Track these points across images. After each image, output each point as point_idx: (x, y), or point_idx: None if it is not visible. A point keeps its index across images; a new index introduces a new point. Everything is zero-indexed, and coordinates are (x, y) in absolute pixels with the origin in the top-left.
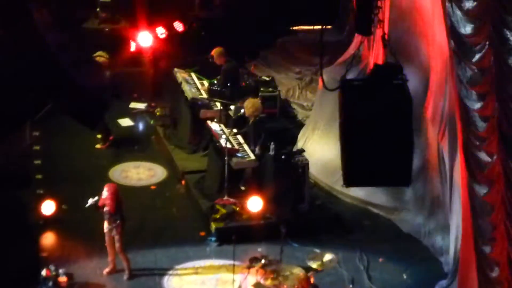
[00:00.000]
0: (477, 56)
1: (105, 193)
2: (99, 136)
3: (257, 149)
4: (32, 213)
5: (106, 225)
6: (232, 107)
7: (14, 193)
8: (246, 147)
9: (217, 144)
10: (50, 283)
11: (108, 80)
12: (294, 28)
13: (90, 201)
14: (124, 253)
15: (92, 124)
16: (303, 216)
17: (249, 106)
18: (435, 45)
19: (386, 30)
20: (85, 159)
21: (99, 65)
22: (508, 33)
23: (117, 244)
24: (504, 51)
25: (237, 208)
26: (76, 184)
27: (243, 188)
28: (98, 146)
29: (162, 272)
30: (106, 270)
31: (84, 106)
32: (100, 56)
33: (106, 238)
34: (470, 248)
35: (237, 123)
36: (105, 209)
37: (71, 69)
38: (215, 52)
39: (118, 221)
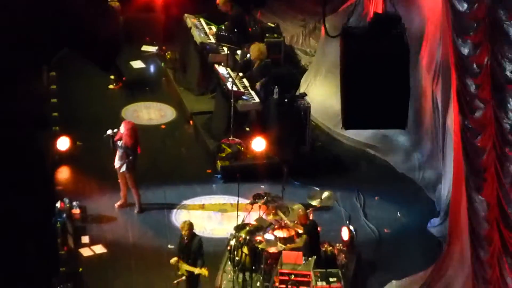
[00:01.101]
0: (472, 7)
1: (122, 128)
2: (112, 77)
3: (257, 85)
4: (48, 150)
5: (116, 160)
6: (239, 52)
7: (31, 131)
8: (251, 90)
9: (224, 87)
10: (64, 215)
11: (120, 24)
12: None
13: (109, 131)
14: (135, 188)
15: (106, 65)
16: (304, 156)
17: (255, 50)
18: None
19: None
20: (99, 99)
21: (112, 9)
22: None
23: (130, 180)
24: (496, 2)
25: (242, 148)
26: (90, 122)
27: (248, 129)
28: (111, 86)
29: (171, 206)
30: (118, 203)
31: (97, 48)
32: (113, 2)
33: (118, 173)
34: (461, 189)
35: (243, 67)
36: (120, 143)
37: (85, 12)
38: (220, 0)
39: (130, 157)
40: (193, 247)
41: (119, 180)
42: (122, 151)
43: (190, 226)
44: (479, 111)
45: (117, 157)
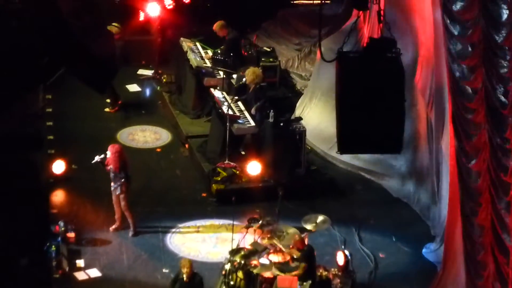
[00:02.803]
0: (467, 32)
1: (109, 152)
2: (108, 100)
3: (253, 110)
4: (43, 172)
5: (112, 183)
6: (234, 75)
7: (26, 154)
8: (246, 114)
9: (220, 110)
10: (59, 239)
11: (117, 47)
12: (295, 1)
13: (97, 158)
14: (129, 211)
15: (101, 88)
16: (299, 180)
17: (250, 74)
18: (426, 21)
19: (382, 6)
20: (95, 122)
21: (109, 33)
22: (495, 9)
23: (123, 202)
24: (491, 27)
25: (237, 172)
26: (86, 145)
27: (243, 152)
28: (107, 109)
29: (166, 230)
30: (113, 227)
31: (94, 71)
32: (114, 26)
33: (113, 196)
34: (456, 213)
35: (238, 91)
36: (109, 167)
37: (83, 35)
38: (216, 26)
39: (122, 180)
40: (195, 287)
41: (113, 203)
42: (113, 175)
43: (191, 264)
44: (474, 136)
45: (112, 181)
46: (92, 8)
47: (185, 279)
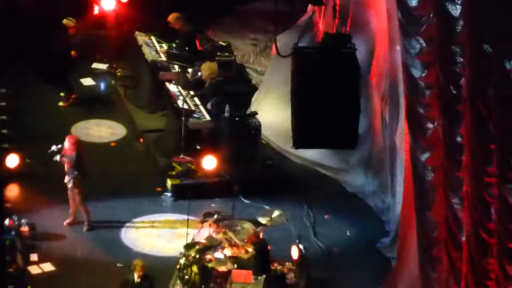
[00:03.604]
0: (422, 27)
1: (67, 143)
2: (61, 94)
3: (208, 105)
4: None
5: (66, 176)
6: (190, 70)
7: None
8: (202, 108)
9: (175, 104)
10: (13, 233)
11: (72, 42)
12: None
13: (53, 147)
14: (83, 205)
15: (56, 82)
16: (255, 174)
17: (206, 69)
18: (382, 17)
19: (337, 1)
20: (49, 116)
21: (63, 27)
22: (448, 5)
23: (77, 197)
24: (446, 22)
25: (193, 166)
26: (40, 139)
27: (198, 147)
28: (61, 103)
29: (120, 224)
30: (67, 221)
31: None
32: (69, 21)
33: (68, 191)
34: (410, 209)
35: (194, 85)
36: (65, 159)
37: (38, 30)
38: (171, 17)
39: (75, 173)
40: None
41: (68, 197)
42: (67, 167)
43: (143, 267)
44: (428, 131)
45: (66, 172)
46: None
47: (135, 279)
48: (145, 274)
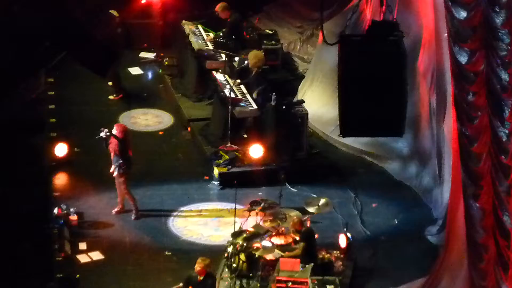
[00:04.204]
0: (469, 14)
1: (115, 131)
2: (110, 83)
3: (254, 94)
4: (45, 155)
5: (112, 165)
6: (236, 58)
7: (28, 137)
8: (249, 97)
9: (222, 93)
10: (61, 221)
11: (118, 31)
12: None
13: (102, 134)
14: (129, 194)
15: (103, 72)
16: (301, 163)
17: (252, 57)
18: (428, 4)
19: None
20: (97, 105)
21: (111, 16)
22: None
23: (122, 185)
24: (492, 9)
25: (239, 155)
26: (88, 128)
27: (245, 135)
28: (111, 97)
29: (168, 213)
30: (115, 210)
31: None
32: (112, 11)
33: (115, 179)
34: (458, 196)
35: (241, 74)
36: (112, 146)
37: (85, 19)
38: (219, 7)
39: (121, 161)
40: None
41: (116, 186)
42: (113, 155)
43: (208, 265)
44: (475, 118)
45: (112, 161)
46: None
47: (198, 278)
48: (208, 272)
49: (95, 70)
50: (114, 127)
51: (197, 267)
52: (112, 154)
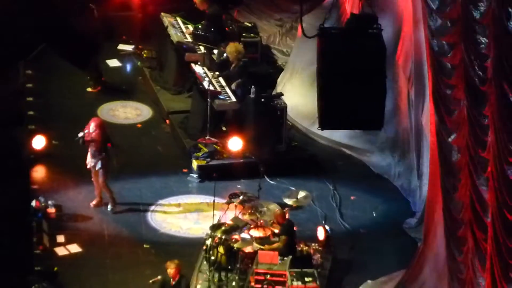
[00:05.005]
0: (446, 8)
1: (92, 127)
2: (88, 78)
3: (233, 85)
4: (23, 148)
5: (89, 159)
6: (215, 51)
7: (6, 130)
8: (228, 89)
9: (201, 86)
10: (40, 214)
11: (99, 24)
12: None
13: (80, 134)
14: (107, 187)
15: (82, 65)
16: (280, 156)
17: (233, 50)
18: None
19: None
20: (75, 98)
21: (91, 10)
22: None
23: (101, 178)
24: (470, 2)
25: (219, 147)
26: (66, 121)
27: (224, 128)
28: (89, 89)
29: (147, 205)
30: (93, 202)
31: (75, 47)
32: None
33: (92, 172)
34: (436, 189)
35: (220, 66)
36: (91, 141)
37: (64, 11)
38: None
39: (103, 154)
40: None
41: (92, 179)
42: (94, 149)
43: (179, 265)
44: (454, 111)
45: (89, 156)
46: None
47: (171, 281)
48: (181, 274)
49: (74, 62)
50: (91, 123)
51: (170, 271)
52: (90, 149)
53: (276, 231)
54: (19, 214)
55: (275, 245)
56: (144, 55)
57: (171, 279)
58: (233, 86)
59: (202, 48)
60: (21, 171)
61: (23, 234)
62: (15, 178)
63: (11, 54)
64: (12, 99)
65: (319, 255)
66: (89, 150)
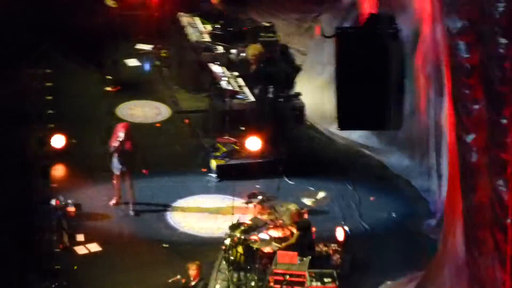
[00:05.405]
0: (464, 7)
1: (121, 133)
2: (108, 77)
3: (255, 91)
4: (43, 146)
5: (117, 164)
6: (233, 50)
7: (26, 128)
8: (246, 89)
9: (219, 85)
10: (59, 212)
11: (113, 22)
12: None
13: (115, 144)
14: (132, 189)
15: (100, 63)
16: (299, 156)
17: (254, 52)
18: None
19: None
20: (94, 97)
21: (106, 7)
22: None
23: (128, 181)
24: (488, 2)
25: (237, 147)
26: (85, 120)
27: (243, 128)
28: (108, 89)
29: (166, 205)
30: (113, 201)
31: (91, 46)
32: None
33: (116, 173)
34: (456, 190)
35: (238, 66)
36: (121, 147)
37: (80, 11)
38: None
39: (132, 159)
40: None
41: (113, 181)
42: (124, 154)
43: (199, 268)
44: (473, 112)
45: (116, 162)
46: None
47: (190, 282)
48: (201, 277)
49: (90, 61)
50: (120, 129)
51: (191, 272)
52: (119, 153)
53: (295, 230)
54: (39, 213)
55: (288, 241)
56: (163, 54)
57: (191, 280)
58: (256, 90)
59: (220, 47)
60: (41, 170)
61: (43, 233)
62: (35, 177)
63: (12, 54)
64: (16, 98)
65: (338, 256)
66: (115, 155)
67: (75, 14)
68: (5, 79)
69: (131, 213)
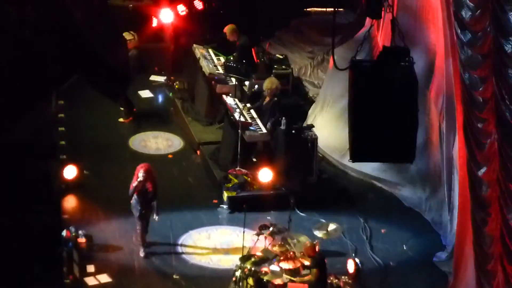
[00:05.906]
0: (478, 41)
1: (141, 174)
2: (122, 108)
3: (268, 125)
4: (55, 178)
5: (138, 206)
6: (246, 82)
7: (39, 159)
8: (258, 121)
9: (232, 117)
10: (70, 244)
11: (131, 55)
12: (308, 9)
13: (134, 184)
14: (143, 234)
15: (114, 96)
16: (311, 188)
17: (271, 86)
18: (440, 31)
19: (395, 14)
20: (107, 128)
21: (124, 40)
22: (505, 19)
23: (139, 226)
24: (501, 37)
25: (249, 179)
26: (98, 151)
27: (255, 160)
28: (121, 120)
29: (177, 236)
30: (141, 254)
31: (107, 79)
32: (129, 34)
33: (137, 214)
34: (467, 223)
35: (251, 98)
36: (144, 191)
37: (97, 43)
38: (227, 29)
39: (155, 200)
40: None
41: (139, 231)
42: (147, 196)
43: None
44: (485, 145)
45: (137, 204)
46: (106, 16)
47: None
48: None
49: (106, 93)
50: (140, 171)
51: None
52: (142, 195)
53: (306, 263)
54: (50, 244)
55: (307, 278)
56: (176, 86)
57: None
58: (268, 125)
59: (233, 79)
60: (52, 201)
61: (54, 264)
62: (46, 208)
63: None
64: (45, 130)
65: None
66: (136, 196)
67: (111, 48)
68: (38, 111)
69: (142, 254)
